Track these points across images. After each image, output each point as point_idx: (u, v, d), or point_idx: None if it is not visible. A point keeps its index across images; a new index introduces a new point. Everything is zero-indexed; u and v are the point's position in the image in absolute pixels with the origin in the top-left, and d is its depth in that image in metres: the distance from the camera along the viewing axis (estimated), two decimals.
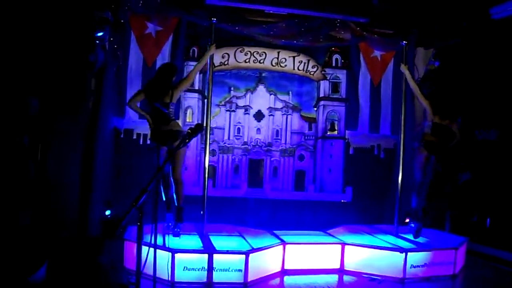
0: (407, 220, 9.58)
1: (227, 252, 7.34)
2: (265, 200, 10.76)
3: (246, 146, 10.90)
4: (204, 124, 8.43)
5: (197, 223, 8.56)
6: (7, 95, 7.08)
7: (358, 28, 10.01)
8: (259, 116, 11.01)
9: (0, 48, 7.33)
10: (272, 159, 11.02)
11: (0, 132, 6.96)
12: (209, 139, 8.45)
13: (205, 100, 9.96)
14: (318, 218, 10.64)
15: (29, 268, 5.89)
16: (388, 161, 11.08)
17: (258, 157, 10.98)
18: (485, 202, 9.91)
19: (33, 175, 7.45)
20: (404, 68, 9.22)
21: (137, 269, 5.21)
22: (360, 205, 10.97)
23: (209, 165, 8.54)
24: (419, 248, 8.25)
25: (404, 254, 7.94)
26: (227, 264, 7.26)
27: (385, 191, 10.65)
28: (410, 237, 8.88)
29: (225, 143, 10.84)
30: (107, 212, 9.38)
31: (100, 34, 8.75)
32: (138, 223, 5.00)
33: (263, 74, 11.03)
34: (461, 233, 9.72)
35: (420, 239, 8.79)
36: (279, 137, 11.05)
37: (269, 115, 11.03)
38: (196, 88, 10.63)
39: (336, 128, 11.19)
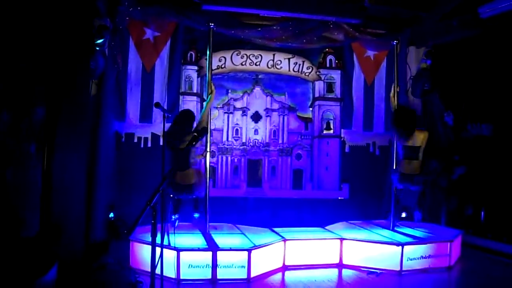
0: (404, 215, 9.84)
1: (231, 249, 7.58)
2: (264, 199, 10.98)
3: (245, 146, 11.14)
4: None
5: (200, 222, 8.81)
6: (14, 104, 7.25)
7: (351, 29, 10.28)
8: (256, 117, 11.24)
9: (5, 59, 7.52)
10: (270, 158, 11.25)
11: (9, 141, 7.13)
12: (209, 141, 8.73)
13: (204, 103, 10.23)
14: (316, 215, 10.83)
15: (39, 270, 6.07)
16: (383, 157, 11.29)
17: (257, 157, 11.21)
18: (479, 195, 10.09)
19: (40, 181, 7.62)
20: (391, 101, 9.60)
21: (152, 266, 5.42)
22: (357, 201, 11.18)
23: (209, 166, 8.78)
24: (415, 241, 8.48)
25: (400, 247, 8.17)
26: (231, 261, 7.49)
27: (382, 187, 10.88)
28: (406, 231, 9.13)
29: (224, 144, 11.07)
30: (111, 215, 9.60)
31: (99, 41, 8.95)
32: (152, 221, 5.24)
33: (260, 76, 11.27)
34: (457, 226, 9.96)
35: (416, 232, 9.03)
36: (276, 137, 11.28)
37: (266, 116, 11.27)
38: (195, 91, 10.83)
39: (331, 127, 11.41)
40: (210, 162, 8.81)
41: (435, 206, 10.76)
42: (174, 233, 7.62)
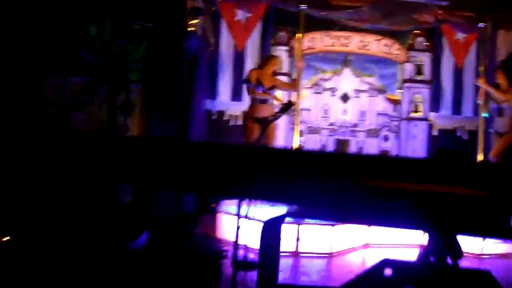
0: None
1: (314, 223, 7.78)
2: None
3: (333, 126, 11.30)
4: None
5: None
6: (112, 79, 7.65)
7: (440, 11, 10.23)
8: (345, 97, 11.38)
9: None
10: (357, 139, 11.38)
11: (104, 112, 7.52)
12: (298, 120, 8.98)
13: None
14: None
15: (131, 235, 6.44)
16: (471, 142, 11.19)
17: (344, 137, 11.35)
18: None
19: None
20: (479, 82, 9.54)
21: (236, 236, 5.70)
22: None
23: (298, 145, 9.01)
24: None
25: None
26: (314, 235, 7.70)
27: None
28: None
29: (312, 124, 11.26)
30: None
31: (193, 22, 9.29)
32: None
33: (349, 57, 11.39)
34: None
35: None
36: (364, 118, 11.39)
37: (355, 97, 11.39)
38: (285, 71, 11.05)
39: (420, 109, 11.42)
40: (298, 141, 9.05)
41: None
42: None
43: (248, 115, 9.11)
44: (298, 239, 7.64)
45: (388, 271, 2.81)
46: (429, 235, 3.20)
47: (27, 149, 2.17)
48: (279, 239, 4.01)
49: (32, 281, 3.97)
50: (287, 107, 7.79)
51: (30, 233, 4.16)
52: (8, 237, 4.14)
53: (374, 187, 1.82)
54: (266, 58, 9.58)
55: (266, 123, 8.06)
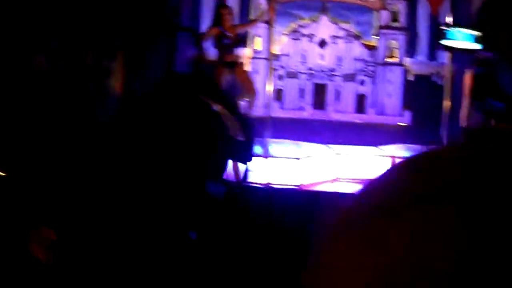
0: None
1: (283, 157, 8.29)
2: (328, 122, 11.54)
3: (311, 71, 11.70)
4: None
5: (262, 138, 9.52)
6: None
7: None
8: (322, 43, 11.76)
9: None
10: (335, 83, 11.80)
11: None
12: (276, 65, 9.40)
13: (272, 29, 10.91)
14: (377, 139, 11.29)
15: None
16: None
17: (322, 81, 11.78)
18: None
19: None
20: None
21: None
22: (418, 128, 11.51)
23: (276, 89, 9.44)
24: None
25: None
26: (283, 168, 8.20)
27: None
28: None
29: (291, 68, 11.67)
30: None
31: None
32: None
33: (326, 5, 11.74)
34: None
35: None
36: (341, 63, 11.79)
37: (332, 43, 11.77)
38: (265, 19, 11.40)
39: (395, 55, 11.82)
40: (277, 85, 9.47)
41: None
42: None
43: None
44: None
45: None
46: None
47: None
48: None
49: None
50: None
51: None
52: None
53: None
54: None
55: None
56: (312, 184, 8.40)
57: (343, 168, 8.92)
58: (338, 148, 9.48)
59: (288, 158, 8.32)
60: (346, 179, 8.84)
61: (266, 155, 8.35)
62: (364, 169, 8.94)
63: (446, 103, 9.92)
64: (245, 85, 9.32)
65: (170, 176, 4.16)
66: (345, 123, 11.58)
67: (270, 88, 9.47)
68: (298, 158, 8.24)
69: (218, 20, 9.14)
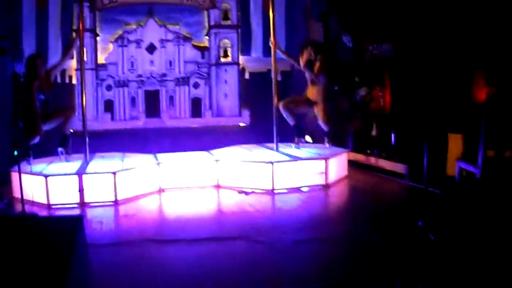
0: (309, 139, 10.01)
1: (96, 173, 7.81)
2: (164, 129, 11.15)
3: (141, 78, 11.26)
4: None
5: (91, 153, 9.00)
6: None
7: None
8: (151, 48, 11.35)
9: None
10: (167, 88, 11.40)
11: None
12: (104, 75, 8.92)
13: (97, 38, 10.43)
14: (217, 143, 10.91)
15: None
16: (285, 83, 11.35)
17: (154, 87, 11.36)
18: (384, 117, 9.94)
19: None
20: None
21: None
22: (257, 127, 11.25)
23: (106, 100, 8.96)
24: (288, 160, 8.65)
25: (271, 165, 8.34)
26: (99, 185, 7.72)
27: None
28: (291, 151, 9.31)
29: (120, 77, 11.18)
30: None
31: None
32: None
33: (153, 8, 11.30)
34: (363, 148, 10.19)
35: (300, 152, 9.23)
36: (172, 67, 11.40)
37: (161, 47, 11.37)
38: (88, 27, 10.85)
39: (229, 54, 11.56)
40: (106, 96, 8.97)
41: (342, 130, 10.75)
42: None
43: None
44: (82, 190, 7.64)
45: None
46: None
47: None
48: None
49: None
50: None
51: None
52: None
53: None
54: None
55: None
56: (132, 198, 7.96)
57: (168, 178, 8.53)
58: (163, 156, 9.08)
59: (103, 173, 7.83)
60: (170, 188, 8.49)
61: (80, 172, 7.85)
62: (189, 176, 8.61)
63: (275, 100, 9.67)
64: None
65: None
66: (182, 129, 11.23)
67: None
68: (114, 173, 7.75)
69: (33, 71, 8.50)
